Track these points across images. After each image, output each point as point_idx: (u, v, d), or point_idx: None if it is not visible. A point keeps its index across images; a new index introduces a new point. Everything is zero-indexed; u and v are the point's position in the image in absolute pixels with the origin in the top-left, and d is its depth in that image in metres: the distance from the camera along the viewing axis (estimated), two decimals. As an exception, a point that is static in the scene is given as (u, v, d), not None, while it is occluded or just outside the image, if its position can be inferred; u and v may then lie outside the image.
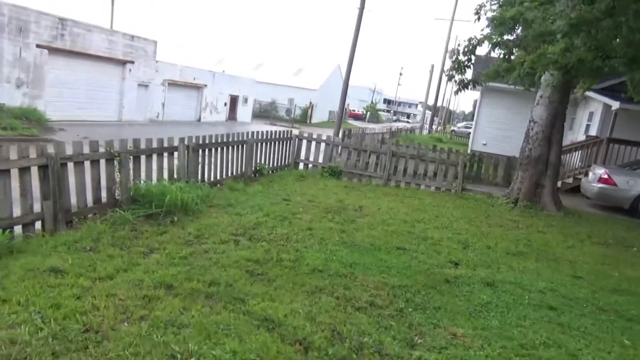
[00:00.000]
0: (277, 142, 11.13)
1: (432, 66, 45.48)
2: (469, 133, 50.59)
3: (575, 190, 13.20)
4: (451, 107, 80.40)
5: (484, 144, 20.33)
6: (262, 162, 10.51)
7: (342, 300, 4.22)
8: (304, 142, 11.99)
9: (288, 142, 11.73)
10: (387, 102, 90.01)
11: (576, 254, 6.86)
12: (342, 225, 6.96)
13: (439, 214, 8.48)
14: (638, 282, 5.86)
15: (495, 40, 6.71)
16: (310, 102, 44.23)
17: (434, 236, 6.90)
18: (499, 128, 19.97)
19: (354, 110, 63.94)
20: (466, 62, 8.73)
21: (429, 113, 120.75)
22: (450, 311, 4.27)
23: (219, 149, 8.69)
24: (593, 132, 15.59)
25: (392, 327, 3.78)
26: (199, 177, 8.07)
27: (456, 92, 10.54)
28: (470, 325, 4.01)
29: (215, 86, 31.05)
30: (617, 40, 6.27)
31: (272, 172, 10.86)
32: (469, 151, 20.03)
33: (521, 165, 10.32)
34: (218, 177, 8.77)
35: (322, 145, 11.98)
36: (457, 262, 5.82)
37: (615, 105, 13.04)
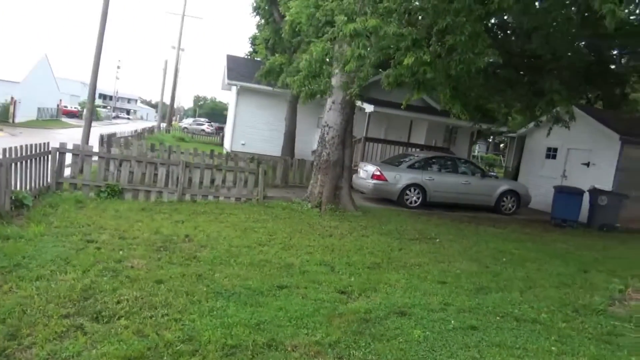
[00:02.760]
0: (34, 160, 8.32)
1: (166, 62, 43.06)
2: (202, 130, 50.64)
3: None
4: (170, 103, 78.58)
5: (243, 144, 20.35)
6: (19, 188, 7.68)
7: (311, 390, 3.19)
8: (69, 156, 9.39)
9: (46, 157, 8.94)
10: (103, 97, 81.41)
11: (412, 256, 7.25)
12: (189, 267, 5.57)
13: (270, 232, 7.80)
14: (479, 275, 6.55)
15: (358, 52, 6.39)
16: (12, 98, 36.05)
17: (293, 262, 6.23)
18: (257, 128, 20.29)
19: (67, 107, 55.48)
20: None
21: (151, 110, 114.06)
22: (408, 362, 3.76)
23: (-36, 179, 5.83)
24: (345, 131, 17.35)
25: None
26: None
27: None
28: (444, 375, 3.59)
29: None
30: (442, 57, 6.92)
31: (35, 199, 8.06)
32: (224, 152, 19.74)
33: (320, 169, 10.51)
34: (-33, 221, 5.90)
35: (94, 158, 9.62)
36: (343, 291, 5.34)
37: (369, 108, 14.72)
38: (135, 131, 22.54)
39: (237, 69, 20.70)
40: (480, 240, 9.08)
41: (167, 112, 40.47)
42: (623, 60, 16.67)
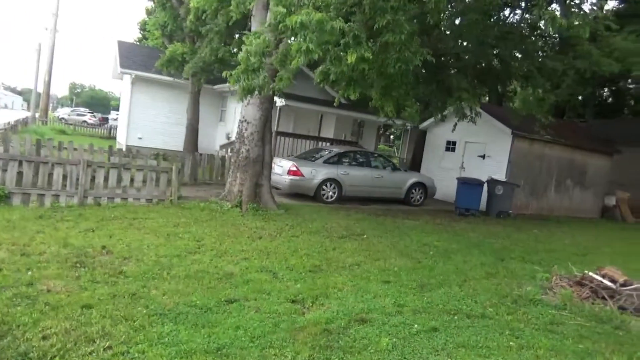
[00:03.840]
0: None
1: (40, 45, 38.31)
2: (84, 121, 46.27)
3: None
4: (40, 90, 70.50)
5: (140, 138, 18.91)
6: None
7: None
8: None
9: None
10: (-44, 82, 70.62)
11: (348, 255, 7.15)
12: (118, 285, 4.90)
13: (197, 237, 7.20)
14: (416, 271, 6.65)
15: (305, 46, 5.91)
16: None
17: (233, 270, 5.80)
18: (156, 121, 18.96)
19: None
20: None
21: (17, 97, 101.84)
22: (388, 374, 3.62)
23: None
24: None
25: None
26: None
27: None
28: (426, 386, 3.50)
29: None
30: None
31: None
32: (120, 147, 18.28)
33: (239, 167, 9.99)
34: None
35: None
36: (295, 300, 5.06)
37: (280, 102, 14.39)
38: (8, 123, 19.77)
39: (130, 56, 19.08)
40: (402, 234, 9.30)
41: (41, 101, 36.17)
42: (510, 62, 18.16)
